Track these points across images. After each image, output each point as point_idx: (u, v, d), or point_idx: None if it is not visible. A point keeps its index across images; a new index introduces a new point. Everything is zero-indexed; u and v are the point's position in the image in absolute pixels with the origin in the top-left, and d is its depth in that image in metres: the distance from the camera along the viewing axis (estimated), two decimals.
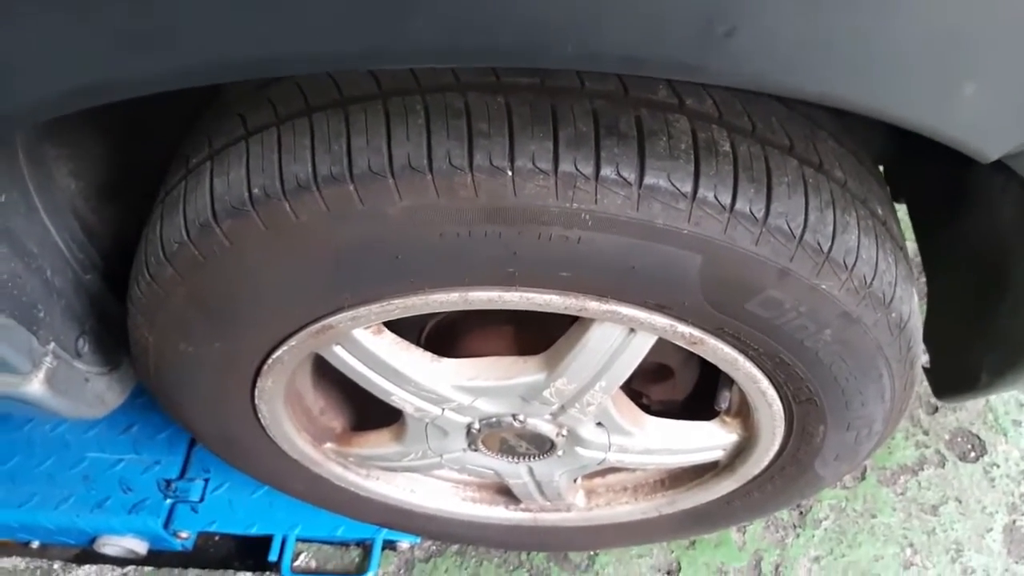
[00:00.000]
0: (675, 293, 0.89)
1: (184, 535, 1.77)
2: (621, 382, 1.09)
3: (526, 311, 0.97)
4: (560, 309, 0.93)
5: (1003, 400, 1.89)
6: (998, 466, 1.82)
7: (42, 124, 1.02)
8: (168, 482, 1.77)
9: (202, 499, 1.76)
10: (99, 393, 1.24)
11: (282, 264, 0.89)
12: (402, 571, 1.78)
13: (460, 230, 0.83)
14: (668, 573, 1.74)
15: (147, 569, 1.83)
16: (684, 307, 0.91)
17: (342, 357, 1.08)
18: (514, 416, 1.19)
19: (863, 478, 1.81)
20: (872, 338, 0.96)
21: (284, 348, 1.03)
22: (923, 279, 1.27)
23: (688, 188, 0.80)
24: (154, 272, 0.95)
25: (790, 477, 1.30)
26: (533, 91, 0.81)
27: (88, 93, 0.63)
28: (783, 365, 1.00)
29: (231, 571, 1.82)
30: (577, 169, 0.79)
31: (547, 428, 1.22)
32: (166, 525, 1.74)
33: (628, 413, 1.23)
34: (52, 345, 1.10)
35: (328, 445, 1.39)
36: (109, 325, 1.21)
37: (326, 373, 1.32)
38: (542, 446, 1.27)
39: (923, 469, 1.82)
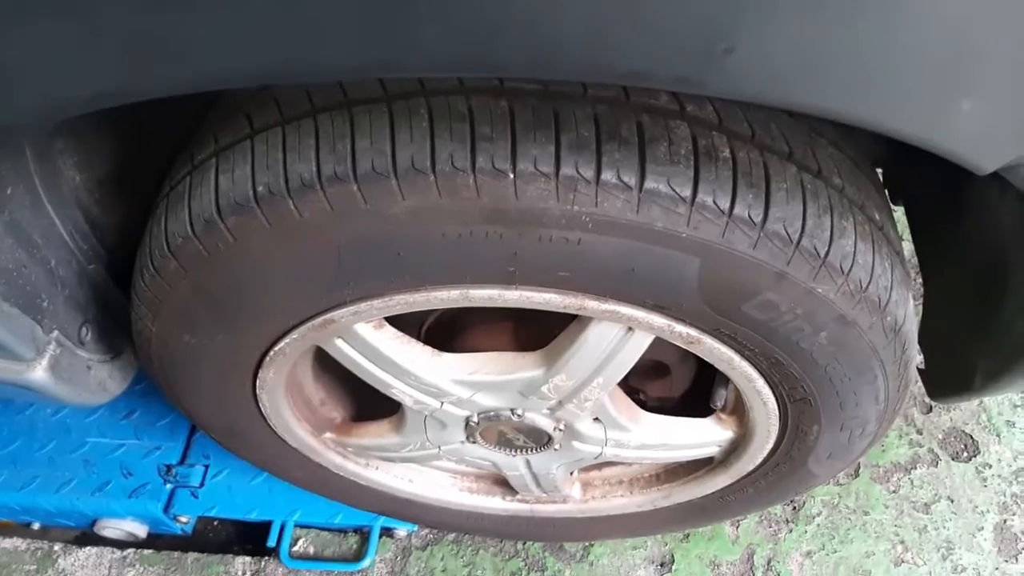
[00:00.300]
0: (673, 294, 0.90)
1: (184, 519, 1.79)
2: (619, 379, 1.11)
3: (524, 309, 0.98)
4: (559, 308, 0.95)
5: (997, 401, 1.91)
6: (990, 466, 1.83)
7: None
8: (168, 467, 1.78)
9: (202, 484, 1.78)
10: (101, 380, 1.25)
11: (285, 260, 0.90)
12: (399, 558, 1.80)
13: (462, 230, 0.84)
14: (662, 565, 1.77)
15: (147, 552, 1.85)
16: (682, 308, 0.92)
17: (343, 350, 1.09)
18: (512, 410, 1.21)
19: (856, 475, 1.83)
20: (867, 341, 0.98)
21: (286, 341, 1.04)
22: (919, 281, 1.28)
23: (687, 192, 0.81)
24: (158, 265, 0.96)
25: (784, 474, 1.32)
26: (536, 96, 0.82)
27: (103, 99, 0.64)
28: (778, 365, 1.01)
29: (230, 556, 1.84)
30: (578, 172, 0.79)
31: (545, 422, 1.24)
32: (166, 509, 1.76)
33: (625, 409, 1.25)
34: (56, 333, 1.11)
35: (328, 435, 1.40)
36: (112, 314, 1.22)
37: (327, 365, 1.33)
38: (539, 440, 1.29)
39: (916, 468, 1.84)
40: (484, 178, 0.80)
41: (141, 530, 1.80)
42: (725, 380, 1.19)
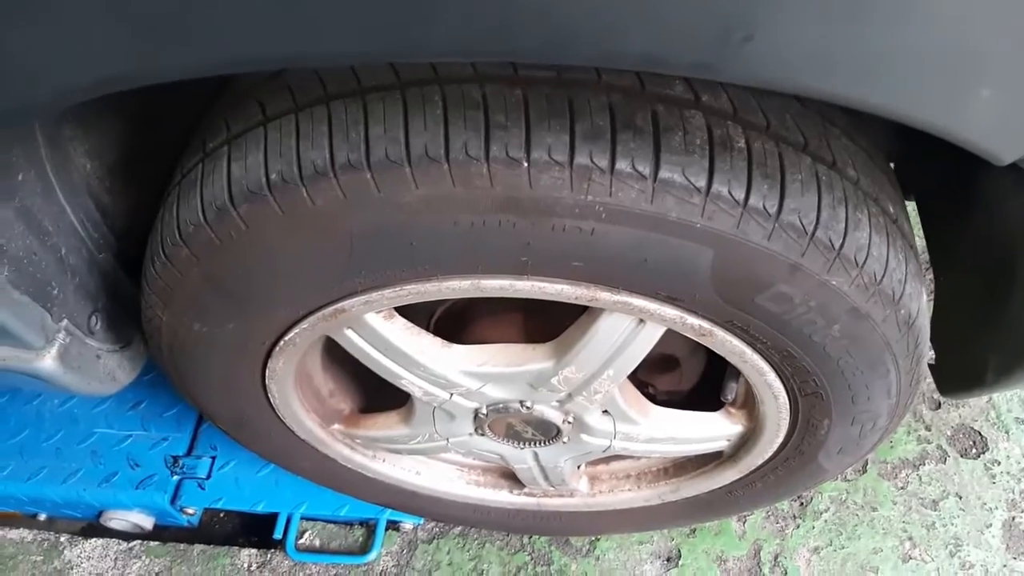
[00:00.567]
0: (686, 286, 0.89)
1: (190, 511, 1.80)
2: (629, 371, 1.10)
3: (534, 300, 0.98)
4: (571, 299, 0.94)
5: (1006, 398, 1.90)
6: (999, 463, 1.83)
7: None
8: (175, 459, 1.79)
9: (209, 476, 1.78)
10: (110, 370, 1.25)
11: (297, 248, 0.90)
12: (405, 551, 1.80)
13: (475, 219, 0.83)
14: (668, 560, 1.76)
15: (153, 544, 1.86)
16: (694, 299, 0.92)
17: (353, 340, 1.09)
18: (521, 402, 1.21)
19: (864, 471, 1.83)
20: (880, 334, 0.97)
21: (296, 330, 1.04)
22: (930, 276, 1.27)
23: (702, 183, 0.81)
24: (169, 253, 0.96)
25: (793, 469, 1.31)
26: (550, 84, 0.81)
27: (114, 83, 0.64)
28: (790, 358, 1.01)
29: (236, 548, 1.84)
30: (592, 162, 0.79)
31: (554, 415, 1.23)
32: (173, 501, 1.76)
33: (634, 402, 1.24)
34: (65, 322, 1.11)
35: (336, 426, 1.40)
36: (121, 303, 1.22)
37: (336, 356, 1.33)
38: (548, 432, 1.28)
39: (924, 464, 1.83)
40: (498, 167, 0.79)
41: (147, 522, 1.80)
42: (736, 373, 1.19)
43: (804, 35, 0.55)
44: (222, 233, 0.90)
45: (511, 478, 1.57)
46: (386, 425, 1.39)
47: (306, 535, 1.84)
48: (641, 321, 1.00)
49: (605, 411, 1.24)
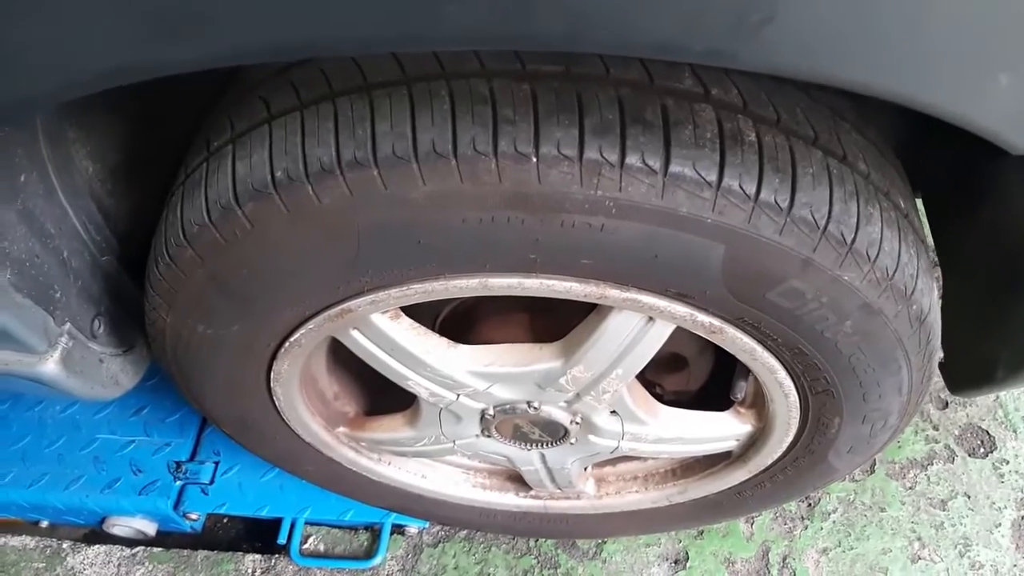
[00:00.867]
0: (697, 282, 0.88)
1: (194, 517, 1.78)
2: (638, 371, 1.09)
3: (541, 299, 0.97)
4: (580, 296, 0.93)
5: (1013, 396, 1.89)
6: (1007, 462, 1.82)
7: (62, 106, 1.02)
8: (178, 464, 1.77)
9: (212, 481, 1.77)
10: (113, 374, 1.24)
11: (303, 247, 0.89)
12: (410, 556, 1.79)
13: (483, 216, 0.82)
14: (676, 562, 1.75)
15: (156, 550, 1.84)
16: (705, 296, 0.91)
17: (359, 341, 1.08)
18: (529, 403, 1.19)
19: (872, 471, 1.82)
20: (892, 330, 0.96)
21: (302, 331, 1.03)
22: (937, 272, 1.26)
23: (713, 177, 0.80)
24: (174, 253, 0.95)
25: (803, 468, 1.30)
26: (558, 78, 0.80)
27: (123, 73, 0.63)
28: (801, 356, 1.00)
29: (240, 553, 1.83)
30: (602, 156, 0.78)
31: (561, 415, 1.22)
32: (176, 506, 1.75)
33: (643, 402, 1.23)
34: (68, 326, 1.10)
35: (341, 429, 1.39)
36: (125, 307, 1.21)
37: (341, 358, 1.32)
38: (555, 433, 1.27)
39: (932, 464, 1.82)
40: (506, 162, 0.79)
41: (150, 528, 1.79)
42: (745, 372, 1.18)
43: (821, 18, 0.54)
44: (227, 233, 0.89)
45: (517, 480, 1.56)
46: (392, 428, 1.38)
47: (310, 540, 1.83)
48: (650, 319, 0.99)
49: (613, 411, 1.23)
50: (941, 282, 1.20)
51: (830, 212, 0.84)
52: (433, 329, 1.19)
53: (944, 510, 1.76)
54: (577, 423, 1.24)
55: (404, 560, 1.79)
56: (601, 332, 1.02)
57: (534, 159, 0.78)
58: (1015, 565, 1.69)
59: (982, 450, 1.84)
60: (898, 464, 1.82)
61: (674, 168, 0.79)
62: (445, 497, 1.58)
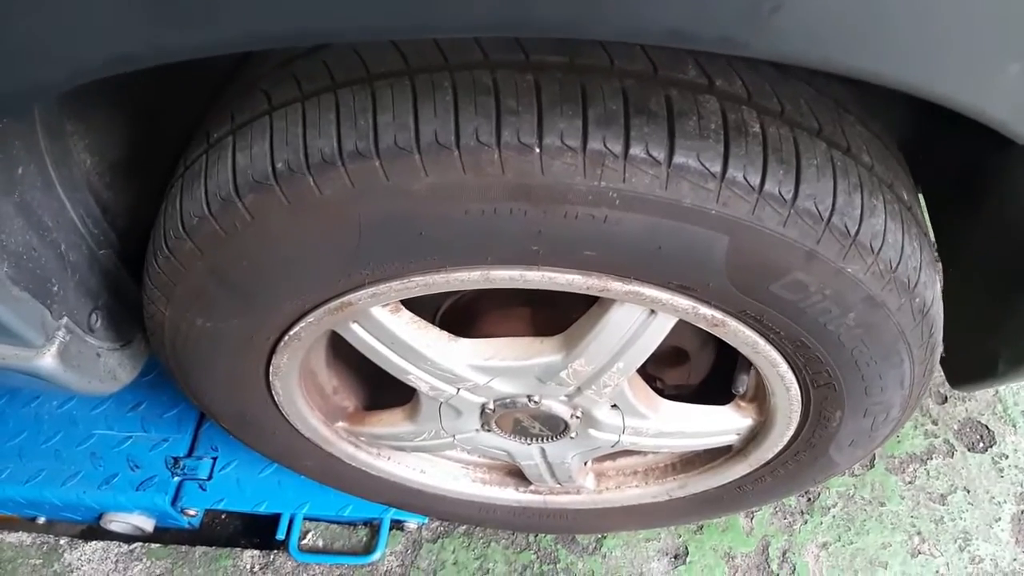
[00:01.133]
0: (700, 274, 0.88)
1: (192, 513, 1.78)
2: (639, 364, 1.09)
3: (543, 292, 0.97)
4: (582, 289, 0.93)
5: (1012, 391, 1.89)
6: (1007, 456, 1.82)
7: (61, 98, 1.01)
8: (176, 460, 1.77)
9: (210, 477, 1.76)
10: (111, 368, 1.23)
11: (303, 239, 0.88)
12: (409, 551, 1.78)
13: (485, 207, 0.82)
14: (675, 557, 1.75)
15: (154, 546, 1.84)
16: (708, 288, 0.90)
17: (359, 335, 1.07)
18: (529, 397, 1.19)
19: (871, 466, 1.82)
20: (895, 323, 0.96)
21: (301, 325, 1.02)
22: (938, 266, 1.26)
23: (717, 168, 0.79)
24: (173, 246, 0.94)
25: (803, 462, 1.30)
26: (562, 69, 0.80)
27: (130, 61, 0.62)
28: (804, 349, 0.99)
29: (238, 549, 1.82)
30: (606, 147, 0.78)
31: (562, 409, 1.22)
32: (174, 502, 1.74)
33: (643, 396, 1.23)
34: (65, 319, 1.09)
35: (340, 424, 1.39)
36: (123, 301, 1.20)
37: (340, 352, 1.32)
38: (556, 428, 1.27)
39: (932, 458, 1.82)
40: (509, 153, 0.78)
41: (148, 524, 1.79)
42: (747, 365, 1.17)
43: (831, 6, 0.53)
44: (227, 225, 0.88)
45: (517, 475, 1.56)
46: (391, 422, 1.37)
47: (309, 536, 1.82)
48: (652, 312, 0.98)
49: (614, 405, 1.22)
50: (942, 276, 1.20)
51: (834, 204, 0.84)
52: (433, 323, 1.19)
53: (944, 504, 1.76)
54: (578, 417, 1.24)
55: (403, 556, 1.78)
56: (603, 325, 1.02)
57: (537, 150, 0.78)
58: (1015, 559, 1.69)
59: (981, 445, 1.84)
60: (897, 459, 1.82)
61: (678, 159, 0.78)
62: (444, 492, 1.57)
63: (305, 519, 1.80)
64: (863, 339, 0.97)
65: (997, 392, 1.89)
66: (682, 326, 1.02)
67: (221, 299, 0.99)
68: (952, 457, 1.82)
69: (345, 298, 0.97)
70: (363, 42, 0.83)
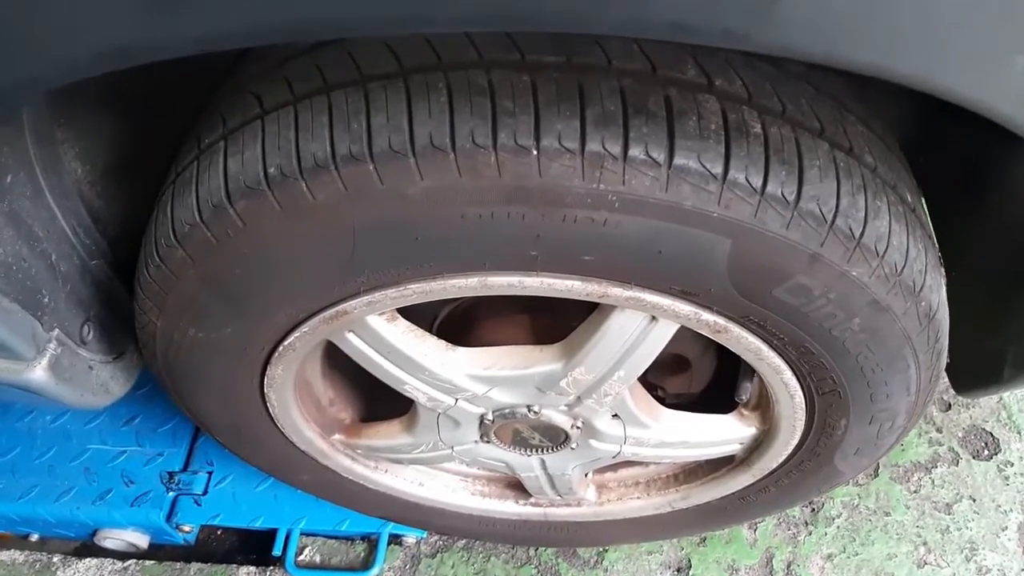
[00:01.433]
0: (702, 279, 0.86)
1: (187, 528, 1.75)
2: (640, 372, 1.07)
3: (541, 300, 0.95)
4: (582, 295, 0.91)
5: (1016, 397, 1.87)
6: (1012, 464, 1.80)
7: (50, 104, 1.00)
8: (171, 475, 1.74)
9: (205, 492, 1.74)
10: (103, 381, 1.21)
11: (297, 246, 0.86)
12: (408, 566, 1.76)
13: (482, 211, 0.80)
14: (678, 570, 1.72)
15: (148, 563, 1.81)
16: (710, 294, 0.88)
17: (355, 344, 1.05)
18: (528, 407, 1.17)
19: (876, 475, 1.79)
20: (901, 327, 0.94)
21: (296, 335, 1.01)
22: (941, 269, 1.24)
23: (719, 169, 0.78)
24: (164, 255, 0.92)
25: (808, 472, 1.28)
26: (559, 69, 0.78)
27: (119, 57, 0.60)
28: (808, 355, 0.98)
29: (234, 565, 1.79)
30: (605, 149, 0.76)
31: (562, 420, 1.20)
32: (168, 518, 1.72)
33: (645, 405, 1.21)
34: (56, 331, 1.08)
35: (336, 436, 1.36)
36: (115, 313, 1.18)
37: (336, 363, 1.30)
38: (556, 438, 1.25)
39: (936, 467, 1.80)
40: (506, 155, 0.76)
41: (143, 540, 1.76)
42: (750, 373, 1.15)
43: None
44: (219, 232, 0.87)
45: (517, 488, 1.53)
46: (388, 434, 1.35)
47: (306, 551, 1.80)
48: (653, 318, 0.97)
49: (615, 415, 1.20)
50: (944, 279, 1.18)
51: (838, 206, 0.82)
52: (431, 332, 1.17)
53: (949, 514, 1.74)
54: (578, 427, 1.21)
55: (402, 571, 1.75)
56: (603, 332, 1.00)
57: (535, 152, 0.76)
58: (1022, 569, 1.66)
59: (986, 452, 1.82)
60: (902, 467, 1.80)
61: (679, 160, 0.77)
62: (443, 505, 1.55)
63: (302, 534, 1.77)
64: (868, 344, 0.95)
65: (1001, 399, 1.87)
66: (683, 333, 1.00)
67: (213, 308, 0.97)
68: (957, 465, 1.80)
69: (340, 307, 0.95)
70: (361, 40, 0.82)
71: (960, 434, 1.84)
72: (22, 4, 0.56)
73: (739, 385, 1.19)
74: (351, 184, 0.79)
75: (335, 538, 1.80)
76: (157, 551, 1.82)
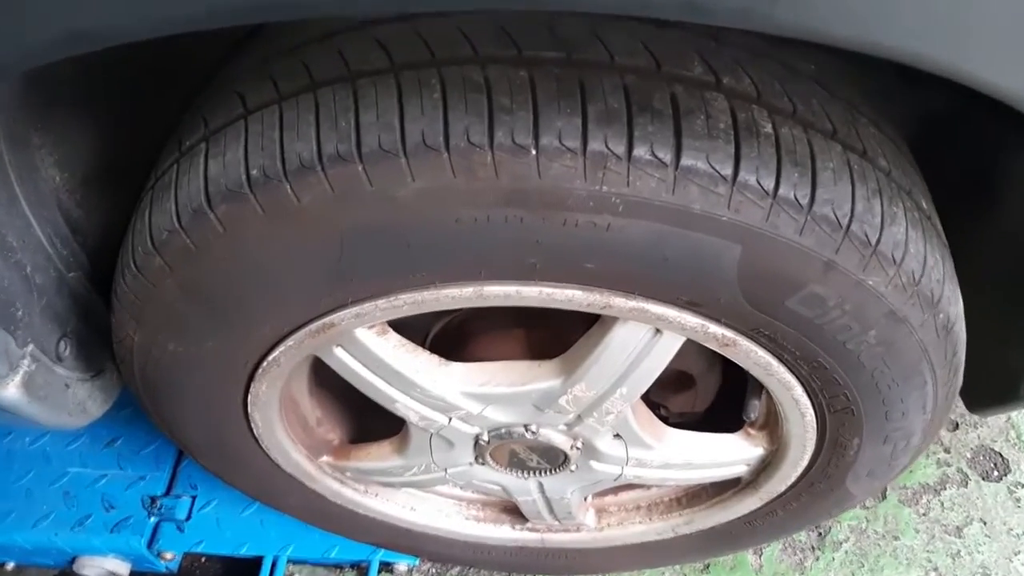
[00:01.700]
0: (710, 288, 0.81)
1: (169, 556, 1.68)
2: (644, 389, 1.02)
3: (538, 312, 0.90)
4: (583, 306, 0.86)
5: None
6: (1023, 485, 1.74)
7: (27, 107, 0.95)
8: (153, 499, 1.69)
9: (189, 517, 1.68)
10: (80, 400, 1.16)
11: (282, 253, 0.81)
12: None
13: (478, 215, 0.76)
14: None
15: None
16: (718, 304, 0.84)
17: (343, 360, 1.00)
18: (526, 426, 1.12)
19: (884, 497, 1.74)
20: (918, 341, 0.89)
21: (281, 349, 0.95)
22: None
23: (728, 171, 0.74)
24: (141, 263, 0.87)
25: (818, 494, 1.22)
26: (559, 65, 0.74)
27: (83, 40, 0.56)
28: (821, 370, 0.93)
29: None
30: (608, 148, 0.72)
31: (561, 440, 1.14)
32: (150, 545, 1.65)
33: (648, 424, 1.16)
34: (31, 347, 1.03)
35: (324, 458, 1.31)
36: (94, 328, 1.13)
37: (323, 380, 1.24)
38: (555, 460, 1.19)
39: (945, 488, 1.75)
40: (503, 155, 0.72)
41: (123, 568, 1.69)
42: (758, 390, 1.10)
43: None
44: (198, 238, 0.82)
45: (513, 512, 1.48)
46: (379, 456, 1.29)
47: None
48: (658, 331, 0.92)
49: (616, 435, 1.15)
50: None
51: (853, 210, 0.78)
52: (424, 347, 1.12)
53: (960, 537, 1.68)
54: (578, 448, 1.16)
55: None
56: (604, 346, 0.95)
57: (533, 151, 0.72)
58: None
59: (996, 473, 1.76)
60: (910, 489, 1.75)
61: (686, 161, 0.73)
62: (436, 531, 1.49)
63: (289, 562, 1.70)
64: (884, 359, 0.90)
65: (1009, 418, 1.82)
66: (688, 347, 0.96)
67: (193, 320, 0.92)
68: (966, 487, 1.75)
69: (327, 319, 0.90)
70: (349, 35, 0.78)
71: (968, 455, 1.79)
72: None
73: (747, 403, 1.13)
74: (338, 186, 0.75)
75: (324, 566, 1.74)
76: None
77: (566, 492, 1.31)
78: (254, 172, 0.77)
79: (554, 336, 1.07)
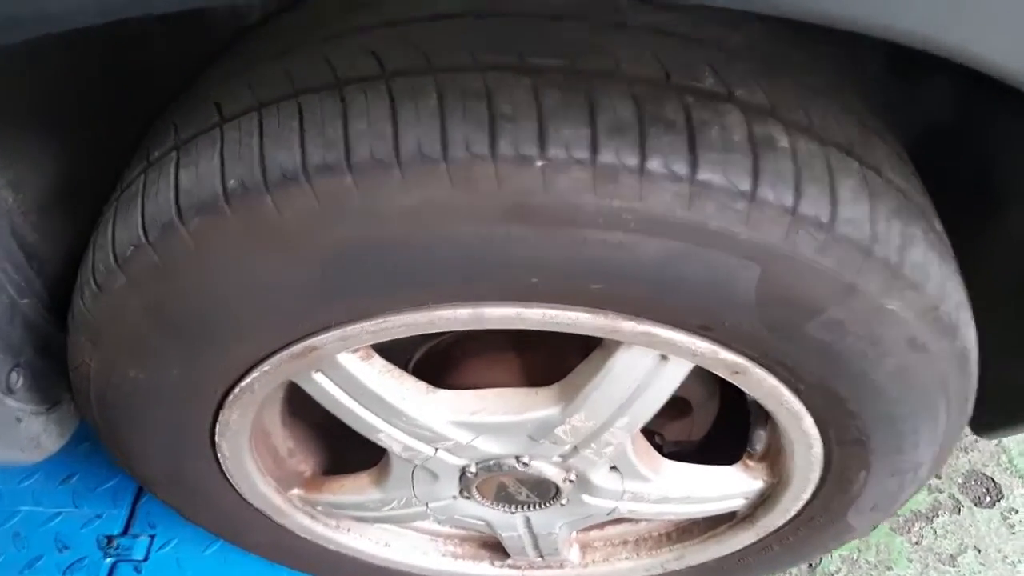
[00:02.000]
0: (725, 311, 0.76)
1: None
2: (647, 419, 0.96)
3: (533, 335, 0.84)
4: (588, 330, 0.80)
5: (1017, 440, 1.80)
6: (1016, 511, 1.71)
7: None
8: (109, 538, 1.59)
9: (146, 558, 1.58)
10: (34, 435, 1.08)
11: (260, 271, 0.75)
12: None
13: (478, 231, 0.70)
14: None
15: None
16: (733, 328, 0.78)
17: (323, 386, 0.93)
18: (518, 458, 1.05)
19: (875, 526, 1.69)
20: (935, 368, 0.85)
21: (255, 374, 0.88)
22: None
23: (747, 186, 0.69)
24: (102, 281, 0.80)
25: (817, 528, 1.17)
26: (563, 73, 0.69)
27: (22, 26, 0.49)
28: (834, 399, 0.88)
29: None
30: (619, 159, 0.67)
31: (554, 472, 1.07)
32: None
33: (645, 455, 1.09)
34: None
35: (295, 491, 1.22)
36: (49, 358, 1.05)
37: (297, 408, 1.16)
38: (546, 493, 1.12)
39: (938, 515, 1.71)
40: (506, 166, 0.67)
41: None
42: (763, 419, 1.05)
43: None
44: (167, 255, 0.75)
45: (493, 548, 1.40)
46: (355, 489, 1.21)
47: None
48: (664, 357, 0.86)
49: (613, 467, 1.08)
50: None
51: (874, 230, 0.74)
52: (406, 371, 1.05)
53: (954, 566, 1.64)
54: (571, 481, 1.09)
55: None
56: (606, 373, 0.89)
57: (539, 163, 0.67)
58: None
59: (988, 499, 1.73)
60: (902, 517, 1.70)
61: (703, 175, 0.68)
62: (411, 568, 1.40)
63: None
64: (901, 387, 0.86)
65: (1000, 441, 1.79)
66: (688, 373, 0.90)
67: (158, 345, 0.84)
68: (959, 513, 1.71)
69: (308, 342, 0.83)
70: (338, 44, 0.72)
71: (960, 480, 1.76)
72: None
73: (752, 433, 1.08)
74: (325, 199, 0.68)
75: None
76: None
77: (554, 527, 1.25)
78: (231, 183, 0.70)
79: (548, 360, 1.01)
